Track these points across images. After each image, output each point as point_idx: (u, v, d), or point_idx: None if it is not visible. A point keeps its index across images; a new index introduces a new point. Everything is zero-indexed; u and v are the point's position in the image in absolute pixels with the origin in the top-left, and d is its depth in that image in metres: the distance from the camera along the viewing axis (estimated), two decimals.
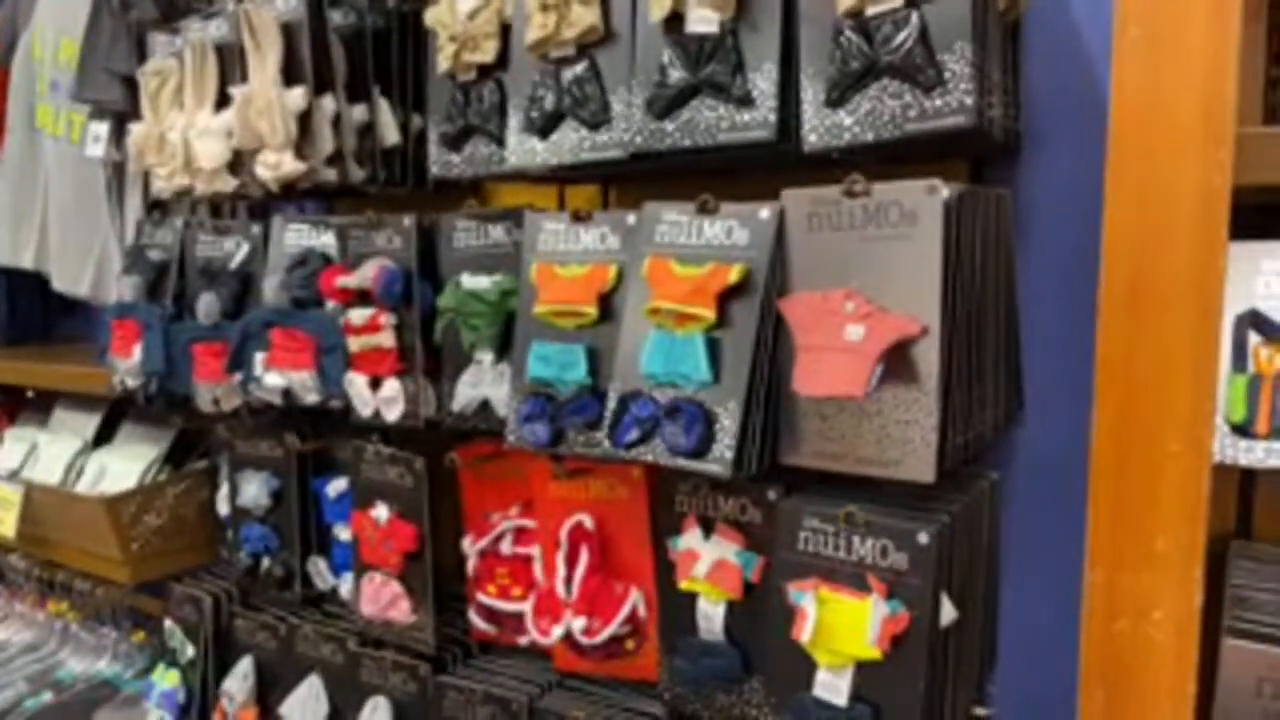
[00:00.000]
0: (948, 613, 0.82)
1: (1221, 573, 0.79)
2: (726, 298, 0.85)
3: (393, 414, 1.13)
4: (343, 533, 1.32)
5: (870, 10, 0.78)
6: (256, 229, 1.32)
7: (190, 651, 1.51)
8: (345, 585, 1.32)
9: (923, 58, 0.75)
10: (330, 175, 1.20)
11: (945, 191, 0.77)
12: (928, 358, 0.78)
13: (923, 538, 0.80)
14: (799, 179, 0.86)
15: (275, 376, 1.22)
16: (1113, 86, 0.58)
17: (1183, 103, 0.55)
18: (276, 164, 1.19)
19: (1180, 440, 0.57)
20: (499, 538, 1.14)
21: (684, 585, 0.95)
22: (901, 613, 0.80)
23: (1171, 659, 0.58)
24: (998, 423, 0.93)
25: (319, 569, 1.38)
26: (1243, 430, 0.61)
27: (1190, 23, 0.55)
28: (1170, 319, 0.57)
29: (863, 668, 0.83)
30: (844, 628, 0.81)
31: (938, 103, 0.76)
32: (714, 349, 0.85)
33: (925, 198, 0.77)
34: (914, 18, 0.76)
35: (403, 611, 1.21)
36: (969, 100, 0.75)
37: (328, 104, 1.18)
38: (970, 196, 0.81)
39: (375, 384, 1.15)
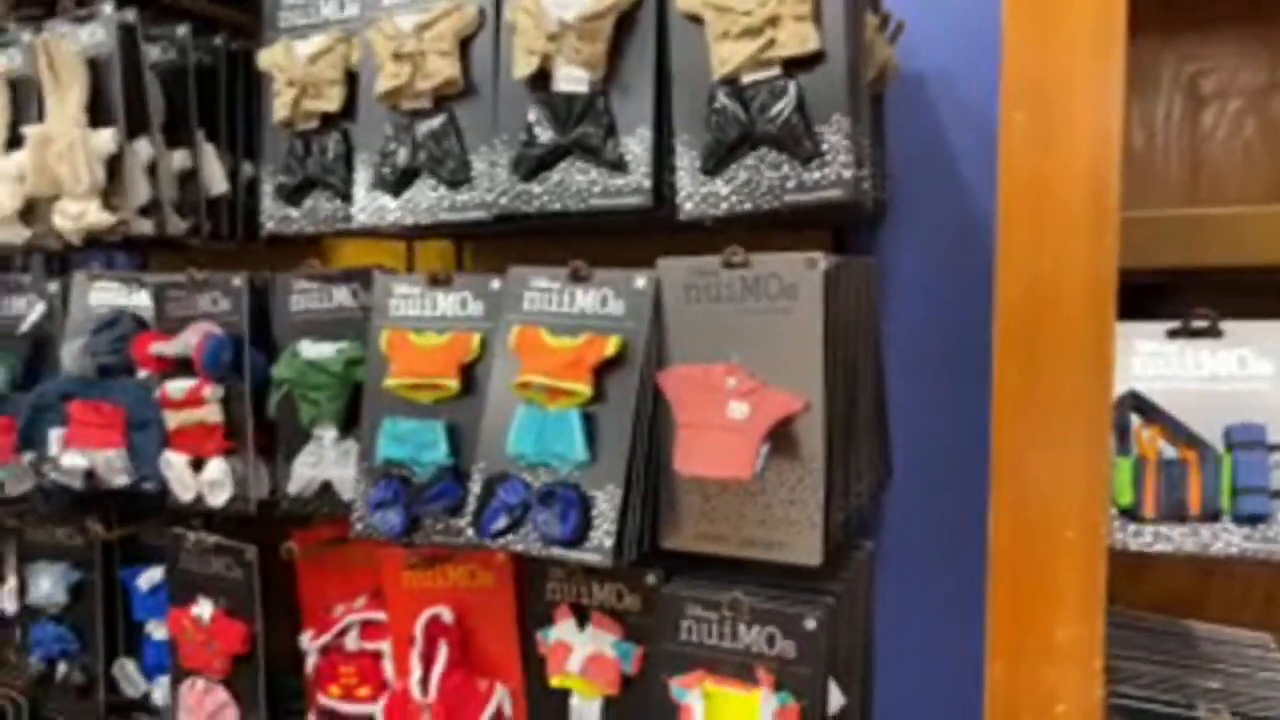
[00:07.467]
0: (835, 700, 0.79)
1: None
2: (602, 371, 0.79)
3: (219, 498, 1.00)
4: (157, 631, 1.16)
5: (747, 78, 0.75)
6: (54, 286, 1.16)
7: None
8: (159, 691, 1.16)
9: (801, 129, 0.73)
10: (145, 227, 1.06)
11: (824, 264, 0.75)
12: (811, 434, 0.75)
13: (810, 623, 0.77)
14: (666, 241, 0.82)
15: (75, 456, 1.06)
16: (1000, 170, 0.57)
17: (1070, 189, 0.55)
18: (79, 214, 1.04)
19: (1076, 528, 0.57)
20: (343, 632, 1.03)
21: (555, 681, 0.88)
22: (791, 704, 0.76)
23: None
24: (871, 492, 0.92)
25: (127, 673, 1.20)
26: (1131, 514, 0.62)
27: (1075, 107, 0.55)
28: (1063, 407, 0.56)
29: None
30: None
31: (816, 175, 0.74)
32: (590, 426, 0.79)
33: (805, 271, 0.75)
34: (791, 88, 0.74)
35: None
36: (847, 174, 0.73)
37: (143, 148, 1.05)
38: (845, 267, 0.80)
39: (198, 465, 1.01)
